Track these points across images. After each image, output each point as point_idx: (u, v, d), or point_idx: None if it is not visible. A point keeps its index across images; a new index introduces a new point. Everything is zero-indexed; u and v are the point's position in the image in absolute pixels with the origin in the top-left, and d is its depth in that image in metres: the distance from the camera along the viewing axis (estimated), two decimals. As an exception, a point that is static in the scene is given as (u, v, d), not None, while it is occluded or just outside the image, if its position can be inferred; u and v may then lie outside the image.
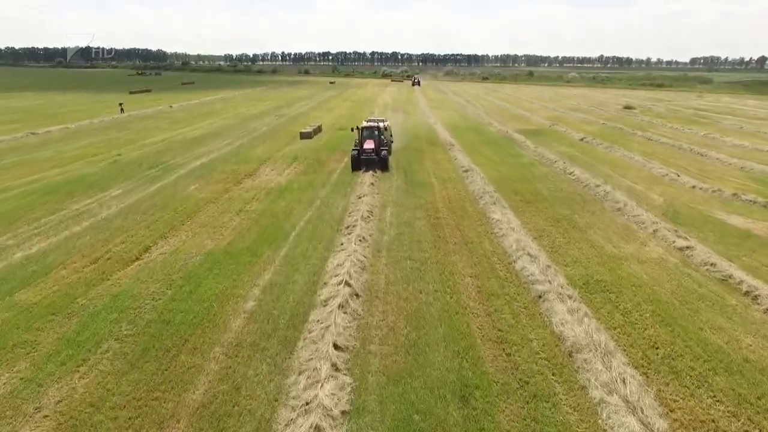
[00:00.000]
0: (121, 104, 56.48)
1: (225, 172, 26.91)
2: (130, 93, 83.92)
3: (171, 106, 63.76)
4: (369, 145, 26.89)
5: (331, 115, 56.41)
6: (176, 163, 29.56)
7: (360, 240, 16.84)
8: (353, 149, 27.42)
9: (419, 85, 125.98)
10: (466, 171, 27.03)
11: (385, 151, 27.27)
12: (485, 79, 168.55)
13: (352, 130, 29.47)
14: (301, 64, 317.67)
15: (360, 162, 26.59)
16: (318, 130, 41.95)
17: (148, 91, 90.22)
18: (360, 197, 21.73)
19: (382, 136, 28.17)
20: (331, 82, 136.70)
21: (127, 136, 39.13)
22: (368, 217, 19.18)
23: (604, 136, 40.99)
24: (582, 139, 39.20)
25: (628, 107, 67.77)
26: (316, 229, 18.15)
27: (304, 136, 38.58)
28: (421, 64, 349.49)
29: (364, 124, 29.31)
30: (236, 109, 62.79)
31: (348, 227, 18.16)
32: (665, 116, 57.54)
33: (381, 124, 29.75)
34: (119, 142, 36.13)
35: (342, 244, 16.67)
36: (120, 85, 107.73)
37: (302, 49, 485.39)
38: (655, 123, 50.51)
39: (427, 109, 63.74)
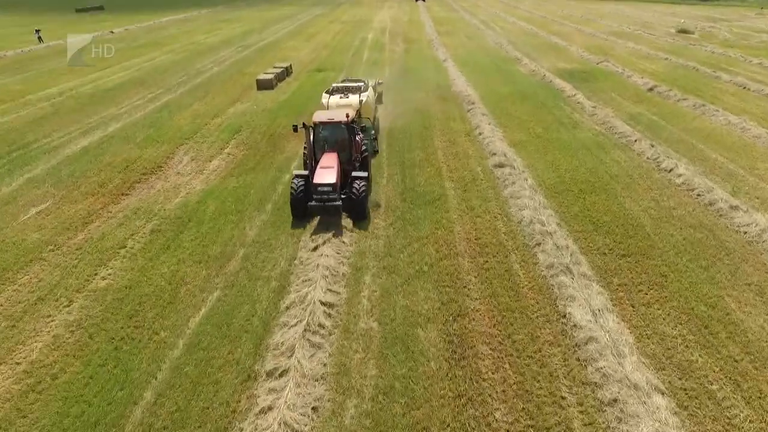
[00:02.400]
0: (37, 31, 44.04)
1: (110, 169, 16.68)
2: (76, 11, 69.77)
3: (112, 32, 50.94)
4: (325, 175, 12.64)
5: (310, 46, 44.19)
6: (47, 144, 19.12)
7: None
8: (295, 179, 13.06)
9: (424, 0, 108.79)
10: (501, 166, 16.80)
11: (362, 187, 12.97)
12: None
13: (296, 130, 13.70)
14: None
15: (305, 209, 12.75)
16: (285, 73, 30.69)
17: (100, 9, 75.55)
18: (317, 247, 11.93)
19: (358, 138, 14.05)
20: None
21: (13, 86, 28.12)
22: (327, 314, 9.53)
23: (679, 81, 29.64)
24: (651, 89, 27.99)
25: (683, 31, 54.53)
26: (204, 372, 8.59)
27: (263, 85, 27.51)
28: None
29: (320, 118, 13.81)
30: (193, 36, 50.04)
31: (276, 353, 8.61)
32: (736, 45, 45.03)
33: (359, 97, 16.91)
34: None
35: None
36: (71, 2, 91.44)
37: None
38: (733, 57, 38.50)
39: (434, 36, 50.76)
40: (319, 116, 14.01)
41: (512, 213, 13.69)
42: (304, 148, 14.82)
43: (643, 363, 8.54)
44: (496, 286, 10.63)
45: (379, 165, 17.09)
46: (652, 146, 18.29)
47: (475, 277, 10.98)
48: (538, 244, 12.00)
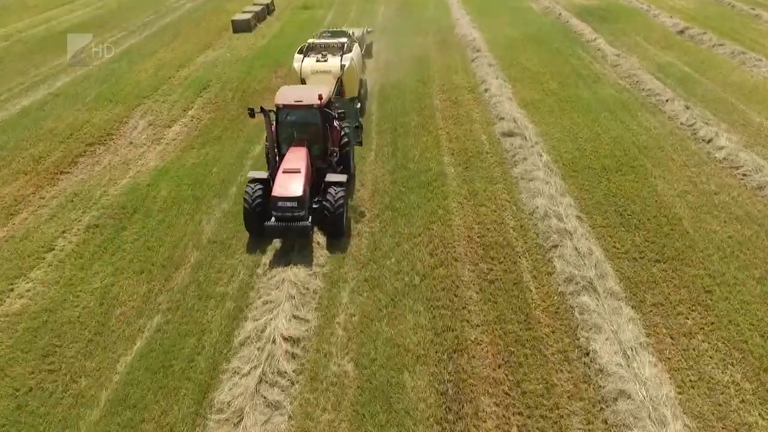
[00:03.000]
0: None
1: (51, 138, 14.12)
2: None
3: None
4: (289, 184, 9.52)
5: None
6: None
7: None
8: (250, 185, 9.95)
9: None
10: (510, 135, 14.25)
11: (339, 198, 9.83)
12: None
13: (252, 114, 10.20)
14: None
15: (262, 228, 9.68)
16: (266, 11, 27.01)
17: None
18: (285, 251, 9.75)
19: (336, 125, 11.01)
20: None
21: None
22: (290, 354, 7.48)
23: (713, 22, 26.00)
24: (682, 32, 24.52)
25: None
26: None
27: (239, 27, 24.07)
28: None
29: (285, 99, 10.38)
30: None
31: (220, 417, 6.72)
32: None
33: (341, 61, 13.87)
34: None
35: None
36: None
37: None
38: (770, -10, 34.34)
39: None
40: (284, 97, 10.45)
41: (523, 200, 11.42)
42: (266, 139, 11.22)
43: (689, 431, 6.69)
44: (502, 307, 8.62)
45: (368, 132, 14.54)
46: (687, 108, 15.62)
47: (477, 292, 8.95)
48: (555, 246, 9.86)
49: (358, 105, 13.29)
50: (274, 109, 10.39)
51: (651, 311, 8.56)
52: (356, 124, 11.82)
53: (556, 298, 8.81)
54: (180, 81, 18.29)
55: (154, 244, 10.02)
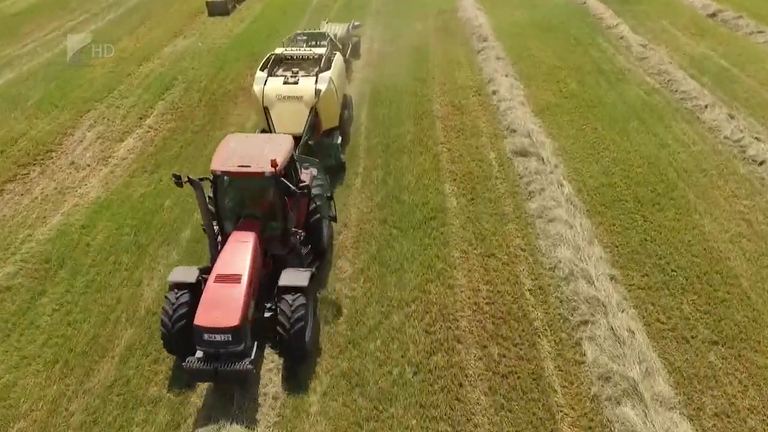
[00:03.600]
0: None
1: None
2: None
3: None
4: (219, 305, 6.44)
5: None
6: None
7: None
8: (172, 292, 6.85)
9: None
10: (523, 155, 11.87)
11: (299, 313, 6.71)
12: None
13: (180, 183, 7.03)
14: None
15: (191, 370, 6.42)
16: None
17: None
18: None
19: (300, 195, 7.56)
20: None
21: None
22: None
23: (748, 2, 23.17)
24: (713, 14, 21.60)
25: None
26: None
27: (215, 9, 21.25)
28: None
29: (223, 164, 7.24)
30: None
31: None
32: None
33: (315, 85, 10.38)
34: None
35: None
36: None
37: None
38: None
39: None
40: (224, 159, 7.33)
41: (542, 248, 9.27)
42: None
43: None
44: (518, 419, 6.58)
45: (355, 150, 12.26)
46: (731, 118, 13.27)
47: (486, 393, 6.91)
48: (584, 323, 7.77)
49: (339, 140, 10.75)
50: (211, 176, 7.28)
51: (713, 426, 6.55)
52: (327, 194, 8.71)
53: (588, 405, 6.77)
54: (140, 79, 15.82)
55: (77, 317, 7.92)
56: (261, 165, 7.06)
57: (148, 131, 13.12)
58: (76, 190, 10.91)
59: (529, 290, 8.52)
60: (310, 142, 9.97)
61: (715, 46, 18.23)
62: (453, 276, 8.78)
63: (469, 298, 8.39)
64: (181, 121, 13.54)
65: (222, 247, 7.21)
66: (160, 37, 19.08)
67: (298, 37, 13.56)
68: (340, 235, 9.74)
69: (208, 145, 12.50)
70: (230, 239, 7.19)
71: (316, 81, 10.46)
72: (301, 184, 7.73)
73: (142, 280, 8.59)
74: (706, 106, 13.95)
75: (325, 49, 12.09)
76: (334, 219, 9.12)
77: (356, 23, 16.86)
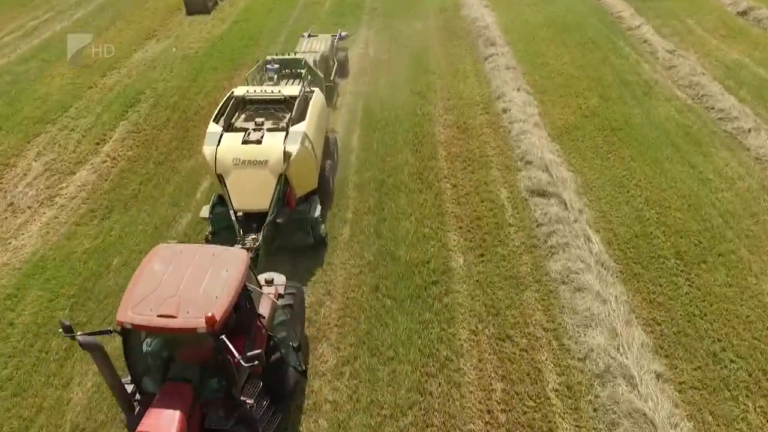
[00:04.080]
0: None
1: None
2: None
3: None
4: None
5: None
6: None
7: None
8: None
9: None
10: (542, 195, 9.99)
11: None
12: None
13: (72, 334, 4.85)
14: None
15: None
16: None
17: None
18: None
19: (260, 327, 5.78)
20: None
21: None
22: None
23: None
24: (744, 12, 19.38)
25: None
26: None
27: (194, 6, 19.06)
28: None
29: (135, 315, 4.86)
30: None
31: None
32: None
33: (283, 145, 7.94)
34: None
35: None
36: None
37: None
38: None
39: None
40: (136, 305, 4.96)
41: (568, 329, 7.52)
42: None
43: None
44: None
45: (344, 188, 10.45)
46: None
47: None
48: (627, 446, 6.12)
49: (318, 211, 8.48)
50: (118, 329, 4.98)
51: None
52: (295, 345, 6.10)
53: None
54: (102, 93, 13.91)
55: (-18, 436, 6.27)
56: (192, 315, 4.72)
57: (105, 161, 11.29)
58: (10, 243, 9.14)
59: (554, 390, 6.81)
60: (278, 221, 7.90)
61: (749, 51, 16.25)
62: (460, 368, 7.07)
63: (480, 402, 6.70)
64: (144, 148, 11.68)
65: (139, 417, 4.92)
66: (131, 40, 17.07)
67: (268, 66, 11.03)
68: (324, 306, 8.02)
69: (171, 180, 10.70)
70: (149, 413, 4.86)
71: (286, 136, 8.10)
72: (257, 323, 5.45)
73: (72, 378, 6.88)
74: (749, 130, 12.06)
75: (300, 86, 9.85)
76: (303, 374, 6.49)
77: (343, 33, 14.59)
